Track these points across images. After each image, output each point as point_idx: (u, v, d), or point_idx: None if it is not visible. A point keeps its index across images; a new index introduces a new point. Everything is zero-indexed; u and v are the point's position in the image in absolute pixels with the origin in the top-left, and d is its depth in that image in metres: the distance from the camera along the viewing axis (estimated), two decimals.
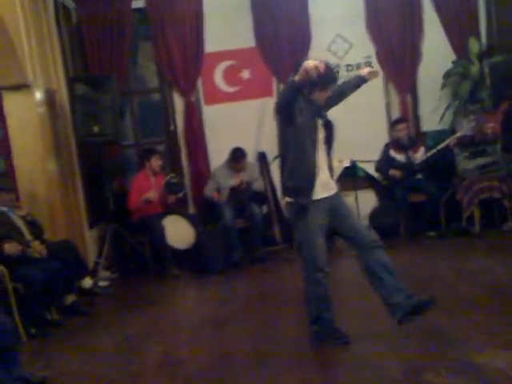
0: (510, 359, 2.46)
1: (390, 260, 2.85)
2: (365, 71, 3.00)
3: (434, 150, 5.07)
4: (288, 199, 2.85)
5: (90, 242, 5.06)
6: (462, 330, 2.86)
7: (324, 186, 2.81)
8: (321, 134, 2.80)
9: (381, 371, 2.53)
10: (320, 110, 2.81)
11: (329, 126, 2.83)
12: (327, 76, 2.67)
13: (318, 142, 2.79)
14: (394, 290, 2.77)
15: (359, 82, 3.00)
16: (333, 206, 2.84)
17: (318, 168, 2.77)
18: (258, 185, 5.29)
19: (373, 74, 2.98)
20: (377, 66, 5.51)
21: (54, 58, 4.78)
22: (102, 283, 4.62)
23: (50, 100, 4.59)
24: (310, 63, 2.48)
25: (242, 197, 5.08)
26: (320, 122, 2.80)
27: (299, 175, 2.76)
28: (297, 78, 2.54)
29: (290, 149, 2.78)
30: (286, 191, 2.86)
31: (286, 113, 2.71)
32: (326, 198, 2.81)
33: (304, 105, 2.73)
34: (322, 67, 2.51)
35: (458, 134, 5.03)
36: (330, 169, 2.87)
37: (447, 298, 3.40)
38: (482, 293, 3.42)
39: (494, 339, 2.70)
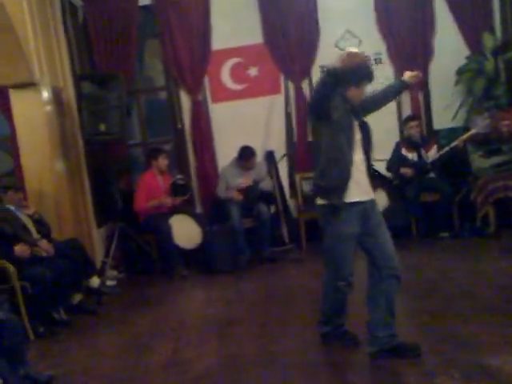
0: None
1: (396, 296, 2.70)
2: (406, 75, 2.85)
3: (446, 148, 4.97)
4: (319, 201, 2.68)
5: (97, 241, 5.04)
6: (475, 333, 2.80)
7: (359, 189, 2.63)
8: (357, 135, 2.66)
9: (392, 374, 2.48)
10: (355, 109, 2.67)
11: (365, 128, 2.70)
12: (363, 71, 2.58)
13: (355, 142, 2.63)
14: (384, 322, 2.64)
15: (401, 86, 2.87)
16: (366, 213, 2.66)
17: (354, 168, 2.61)
18: (266, 184, 5.23)
19: (415, 77, 2.84)
20: (387, 63, 5.45)
21: (60, 56, 4.76)
22: (109, 282, 4.60)
23: (57, 98, 4.57)
24: (353, 49, 2.42)
25: (249, 196, 5.02)
26: (356, 122, 2.67)
27: (333, 174, 2.60)
28: (338, 64, 2.39)
29: (324, 147, 2.61)
30: (318, 192, 2.69)
31: (321, 107, 2.54)
32: (360, 202, 2.63)
33: (339, 102, 2.59)
34: (365, 56, 2.47)
35: (472, 132, 4.93)
36: (369, 172, 2.69)
37: (460, 300, 3.35)
38: (496, 295, 3.35)
39: (508, 342, 2.64)
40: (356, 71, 2.50)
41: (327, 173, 2.62)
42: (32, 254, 3.58)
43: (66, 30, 4.97)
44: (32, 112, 4.20)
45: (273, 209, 5.30)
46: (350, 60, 2.37)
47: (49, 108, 4.38)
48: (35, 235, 3.76)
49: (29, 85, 4.14)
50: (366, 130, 2.70)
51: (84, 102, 4.70)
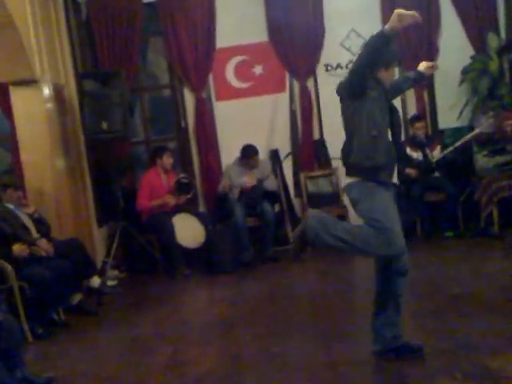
0: None
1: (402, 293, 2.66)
2: (422, 66, 2.81)
3: (451, 148, 4.93)
4: (353, 179, 2.57)
5: (98, 241, 5.01)
6: (477, 333, 2.77)
7: (390, 172, 2.62)
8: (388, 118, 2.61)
9: (394, 374, 2.45)
10: (387, 92, 2.62)
11: (394, 111, 2.65)
12: (393, 52, 2.60)
13: (388, 125, 2.59)
14: (390, 323, 2.59)
15: (417, 77, 2.83)
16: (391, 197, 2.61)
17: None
18: (270, 183, 5.19)
19: (431, 68, 2.81)
20: None
21: (62, 53, 4.73)
22: (110, 282, 4.56)
23: (59, 96, 4.54)
24: (402, 10, 2.36)
25: (253, 195, 4.98)
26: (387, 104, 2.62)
27: (378, 152, 2.51)
28: (388, 26, 2.35)
29: (362, 125, 2.50)
30: (357, 170, 2.55)
31: (361, 81, 2.47)
32: (391, 184, 2.64)
33: (373, 83, 2.54)
34: (417, 16, 2.38)
35: (476, 132, 4.89)
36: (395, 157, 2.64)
37: (463, 300, 3.32)
38: (499, 295, 3.32)
39: (510, 343, 2.61)
40: (385, 53, 2.49)
41: (369, 151, 2.52)
42: (31, 253, 3.53)
43: (68, 27, 4.94)
44: (32, 109, 4.17)
45: (277, 208, 5.26)
46: (400, 22, 2.35)
47: (50, 105, 4.35)
48: (35, 234, 3.72)
49: (29, 82, 4.10)
50: (394, 112, 2.65)
51: (86, 100, 4.67)
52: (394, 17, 2.36)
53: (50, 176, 4.26)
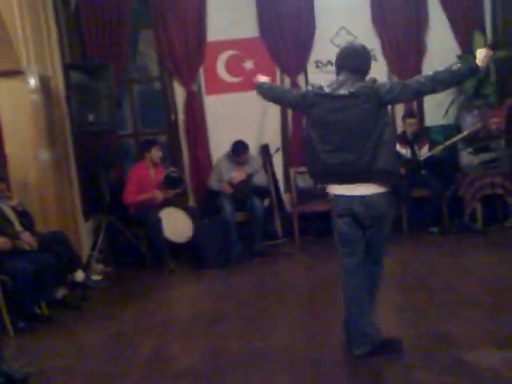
0: (504, 358, 2.42)
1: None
2: (480, 55, 2.49)
3: (440, 147, 4.96)
4: (384, 188, 2.52)
5: (84, 235, 4.97)
6: (456, 327, 2.82)
7: None
8: None
9: (373, 368, 2.49)
10: None
11: None
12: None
13: None
14: (371, 318, 2.62)
15: (471, 71, 2.53)
16: None
17: None
18: (260, 178, 5.18)
19: (488, 57, 2.52)
20: (381, 60, 5.43)
21: (50, 44, 4.67)
22: (95, 277, 4.52)
23: (45, 87, 4.49)
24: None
25: (242, 190, 4.98)
26: None
27: (396, 161, 2.56)
28: (481, 65, 2.45)
29: (389, 136, 2.50)
30: (392, 178, 2.55)
31: (424, 95, 2.61)
32: None
33: None
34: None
35: (464, 134, 4.92)
36: None
37: (444, 295, 3.38)
38: (480, 290, 3.39)
39: (488, 337, 2.66)
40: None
41: (394, 159, 2.53)
42: (14, 246, 3.49)
43: (56, 18, 4.88)
44: (18, 101, 4.10)
45: (267, 202, 5.27)
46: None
47: (36, 97, 4.29)
48: (18, 227, 3.67)
49: (15, 73, 4.05)
50: None
51: (73, 92, 4.61)
52: (487, 58, 2.46)
53: (35, 168, 4.21)
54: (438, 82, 2.49)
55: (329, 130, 2.56)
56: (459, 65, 2.52)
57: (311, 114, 2.63)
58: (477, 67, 2.49)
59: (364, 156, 2.47)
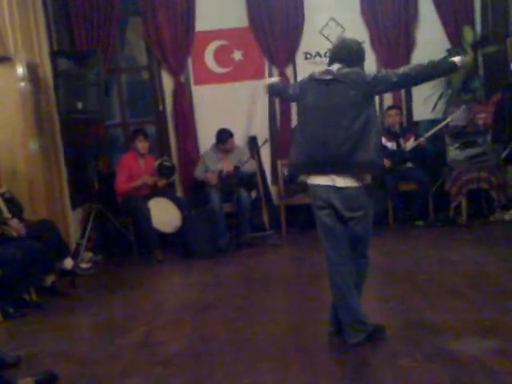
0: (485, 347, 2.48)
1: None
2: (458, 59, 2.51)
3: (422, 138, 5.02)
4: (364, 181, 2.51)
5: (72, 223, 4.95)
6: (440, 317, 2.88)
7: None
8: None
9: (357, 355, 2.53)
10: None
11: None
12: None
13: None
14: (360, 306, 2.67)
15: (449, 69, 2.55)
16: None
17: None
18: (250, 166, 5.17)
19: (466, 63, 2.63)
20: (370, 52, 5.44)
21: (37, 30, 4.61)
22: (84, 265, 4.55)
23: (33, 74, 4.44)
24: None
25: (230, 181, 5.00)
26: None
27: (380, 153, 2.54)
28: (460, 62, 2.44)
29: (374, 127, 2.50)
30: (375, 170, 2.52)
31: (407, 87, 2.55)
32: None
33: None
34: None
35: (448, 120, 4.97)
36: None
37: (428, 286, 3.44)
38: (463, 282, 3.44)
39: (471, 327, 2.72)
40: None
41: (378, 151, 2.50)
42: (2, 233, 3.49)
43: (44, 4, 4.82)
44: (5, 88, 4.07)
45: (254, 193, 5.30)
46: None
47: (23, 84, 4.25)
48: (6, 214, 3.66)
49: (2, 59, 4.01)
50: None
51: (60, 79, 4.58)
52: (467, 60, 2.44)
53: (23, 156, 4.19)
54: (414, 76, 2.48)
55: (315, 118, 2.56)
56: (440, 59, 2.55)
57: (303, 101, 2.63)
58: (455, 65, 2.49)
59: (345, 145, 2.45)
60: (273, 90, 2.99)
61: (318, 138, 2.52)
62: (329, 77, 2.56)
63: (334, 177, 2.52)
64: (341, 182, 2.51)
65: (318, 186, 2.58)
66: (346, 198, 2.52)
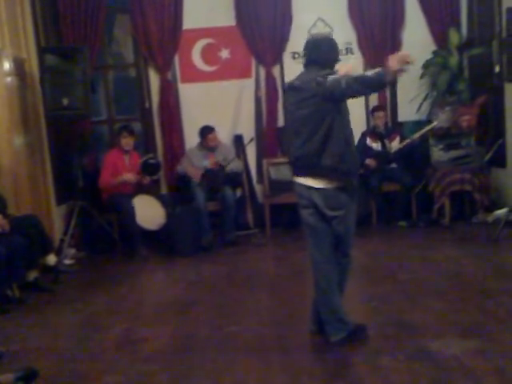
0: (466, 347, 2.51)
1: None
2: (391, 62, 2.32)
3: (408, 140, 5.07)
4: (334, 184, 2.55)
5: (57, 219, 4.94)
6: (421, 317, 2.91)
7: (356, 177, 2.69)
8: None
9: (339, 354, 2.56)
10: None
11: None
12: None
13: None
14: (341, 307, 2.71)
15: (379, 82, 2.40)
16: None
17: None
18: (235, 165, 5.19)
19: (402, 61, 2.31)
20: (357, 53, 5.49)
21: (24, 26, 4.59)
22: (67, 261, 4.53)
23: (19, 69, 4.42)
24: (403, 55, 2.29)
25: (215, 179, 5.01)
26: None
27: (350, 158, 2.55)
28: (388, 77, 2.31)
29: (337, 133, 2.50)
30: (337, 175, 2.54)
31: (342, 100, 2.50)
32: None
33: None
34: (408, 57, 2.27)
35: (434, 124, 5.02)
36: None
37: (410, 286, 3.47)
38: (445, 282, 3.49)
39: (451, 327, 2.75)
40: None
41: (345, 156, 2.53)
42: None
43: (32, 0, 4.78)
44: None
45: (239, 192, 5.31)
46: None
47: (9, 79, 4.23)
48: None
49: None
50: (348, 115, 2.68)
51: (47, 75, 4.55)
52: (391, 70, 2.29)
53: (8, 151, 4.16)
54: (347, 87, 2.38)
55: (291, 123, 2.68)
56: (373, 72, 2.39)
57: (286, 103, 2.73)
58: (384, 82, 2.37)
59: (311, 150, 2.53)
60: None
61: (291, 141, 2.66)
62: (297, 83, 2.61)
63: (306, 178, 2.62)
64: (313, 183, 2.60)
65: (301, 185, 2.66)
66: (325, 197, 2.59)
